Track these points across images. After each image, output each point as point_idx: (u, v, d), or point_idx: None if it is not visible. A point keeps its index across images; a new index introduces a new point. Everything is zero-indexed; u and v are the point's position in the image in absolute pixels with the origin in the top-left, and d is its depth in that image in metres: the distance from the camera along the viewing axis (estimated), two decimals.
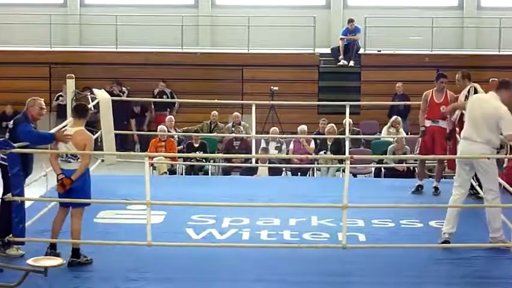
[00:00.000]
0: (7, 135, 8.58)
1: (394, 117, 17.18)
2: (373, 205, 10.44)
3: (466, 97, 11.20)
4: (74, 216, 8.46)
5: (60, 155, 8.45)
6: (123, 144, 18.65)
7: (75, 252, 8.37)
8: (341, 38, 21.35)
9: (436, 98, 11.53)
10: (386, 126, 17.41)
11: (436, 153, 11.42)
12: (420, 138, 11.71)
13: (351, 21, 21.45)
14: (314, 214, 10.19)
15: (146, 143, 18.44)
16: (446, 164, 12.11)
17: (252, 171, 14.92)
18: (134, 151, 19.69)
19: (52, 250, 8.43)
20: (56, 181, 8.54)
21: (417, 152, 11.75)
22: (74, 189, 8.38)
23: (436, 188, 11.65)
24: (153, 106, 20.65)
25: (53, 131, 9.94)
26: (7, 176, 8.42)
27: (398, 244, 9.01)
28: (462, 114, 10.72)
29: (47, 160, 8.74)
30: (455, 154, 11.60)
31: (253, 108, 13.66)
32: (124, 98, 19.09)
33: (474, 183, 11.18)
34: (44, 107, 8.82)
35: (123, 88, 20.44)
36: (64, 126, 11.06)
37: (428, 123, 11.55)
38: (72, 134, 8.48)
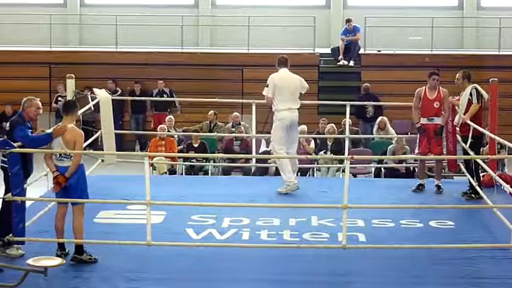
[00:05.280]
0: (4, 137, 8.56)
1: (380, 118, 17.38)
2: (373, 205, 10.44)
3: (469, 100, 11.21)
4: (75, 214, 8.49)
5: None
6: (121, 143, 18.63)
7: (78, 249, 8.42)
8: (342, 39, 21.35)
9: (429, 94, 11.55)
10: (375, 129, 17.51)
11: (432, 152, 11.44)
12: (419, 137, 11.70)
13: (348, 21, 21.46)
14: (314, 214, 10.18)
15: (144, 143, 18.49)
16: (446, 163, 12.14)
17: (265, 170, 14.95)
18: (134, 151, 19.70)
19: (62, 251, 8.47)
20: (53, 180, 8.55)
21: (417, 151, 11.72)
22: (70, 187, 8.41)
23: (438, 187, 11.64)
24: (149, 106, 20.69)
25: (49, 130, 9.95)
26: (8, 177, 8.42)
27: (398, 244, 9.00)
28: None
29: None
30: (455, 155, 11.68)
31: (254, 107, 13.67)
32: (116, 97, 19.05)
33: (474, 183, 11.18)
34: (41, 106, 8.80)
35: (117, 88, 20.47)
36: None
37: (423, 120, 11.58)
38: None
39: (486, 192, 10.97)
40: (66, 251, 8.51)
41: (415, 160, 13.69)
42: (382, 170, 15.05)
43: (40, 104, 8.79)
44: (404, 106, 14.18)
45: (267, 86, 11.53)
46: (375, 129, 17.56)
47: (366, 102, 18.80)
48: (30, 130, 8.70)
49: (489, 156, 11.78)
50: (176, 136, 16.84)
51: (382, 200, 11.07)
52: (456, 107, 11.48)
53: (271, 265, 8.46)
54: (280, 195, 11.32)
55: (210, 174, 15.78)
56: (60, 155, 8.43)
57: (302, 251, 8.76)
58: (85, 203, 8.54)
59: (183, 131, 17.71)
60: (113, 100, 12.41)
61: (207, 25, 23.54)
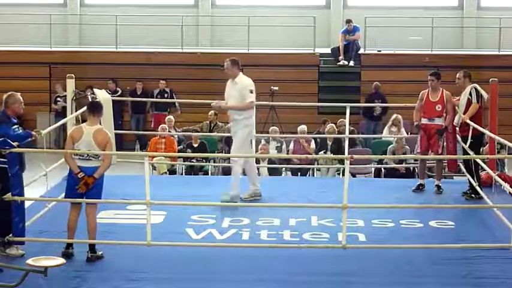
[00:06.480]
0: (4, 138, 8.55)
1: (394, 115, 17.25)
2: (373, 205, 10.44)
3: (469, 100, 11.23)
4: (91, 214, 8.54)
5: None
6: (121, 143, 18.63)
7: (93, 247, 8.47)
8: (341, 38, 21.33)
9: (432, 96, 11.59)
10: (387, 125, 17.46)
11: (433, 151, 11.46)
12: (419, 137, 11.72)
13: (348, 21, 21.48)
14: (314, 214, 10.19)
15: (144, 144, 18.46)
16: (446, 163, 12.14)
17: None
18: (134, 151, 19.69)
19: (67, 250, 8.47)
20: (77, 180, 8.44)
21: (417, 150, 11.75)
22: (96, 187, 8.48)
23: (438, 187, 11.65)
24: (149, 106, 20.71)
25: (48, 129, 9.97)
26: (6, 177, 8.41)
27: (398, 244, 9.01)
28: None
29: (44, 160, 8.74)
30: (455, 155, 11.69)
31: (253, 108, 13.63)
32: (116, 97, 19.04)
33: (474, 183, 11.19)
34: (22, 100, 8.85)
35: (117, 88, 20.47)
36: (63, 125, 11.04)
37: (424, 121, 11.61)
38: (93, 133, 8.52)
39: (485, 192, 10.98)
40: (71, 250, 8.50)
41: (415, 160, 13.70)
42: (382, 170, 15.05)
43: (21, 98, 8.84)
44: (405, 107, 14.18)
45: (251, 92, 11.21)
46: (387, 125, 17.49)
47: (368, 104, 18.79)
48: (17, 125, 8.71)
49: (489, 156, 11.79)
50: (176, 136, 16.85)
51: (382, 200, 11.06)
52: (456, 107, 11.50)
53: (271, 265, 8.45)
54: (280, 196, 11.32)
55: (210, 174, 15.78)
56: (87, 155, 8.45)
57: (302, 251, 8.76)
58: (84, 203, 8.55)
59: (183, 131, 17.72)
60: (113, 101, 12.41)
61: (207, 25, 23.53)
